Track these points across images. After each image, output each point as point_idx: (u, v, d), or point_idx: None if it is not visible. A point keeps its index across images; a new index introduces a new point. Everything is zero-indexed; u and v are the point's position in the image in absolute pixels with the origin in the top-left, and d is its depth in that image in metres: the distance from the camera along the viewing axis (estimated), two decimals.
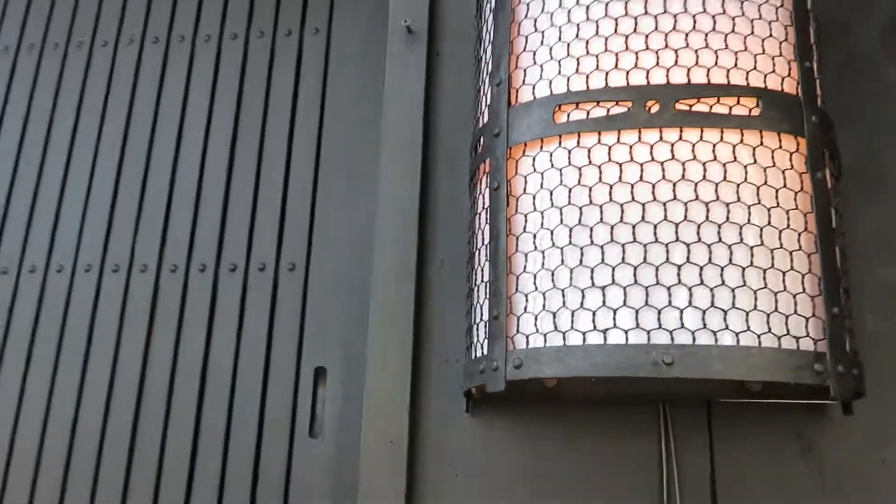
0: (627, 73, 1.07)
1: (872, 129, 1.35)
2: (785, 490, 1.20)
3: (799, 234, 1.02)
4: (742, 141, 1.04)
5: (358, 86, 1.92)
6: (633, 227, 1.01)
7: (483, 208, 1.18)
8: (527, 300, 1.05)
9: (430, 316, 1.36)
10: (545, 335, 1.02)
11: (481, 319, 1.14)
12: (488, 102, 1.21)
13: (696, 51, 1.07)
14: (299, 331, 1.77)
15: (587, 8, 1.12)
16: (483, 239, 1.17)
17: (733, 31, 1.08)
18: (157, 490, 1.66)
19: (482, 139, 1.21)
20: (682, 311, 0.97)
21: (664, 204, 1.01)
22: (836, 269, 1.02)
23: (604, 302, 1.00)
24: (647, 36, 1.08)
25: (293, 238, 1.86)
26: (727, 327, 0.96)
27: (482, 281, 1.15)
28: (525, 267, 1.07)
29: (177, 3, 2.06)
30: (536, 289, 1.05)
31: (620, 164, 1.04)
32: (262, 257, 1.85)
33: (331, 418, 1.70)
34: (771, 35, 1.09)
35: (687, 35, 1.07)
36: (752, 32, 1.08)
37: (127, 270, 1.82)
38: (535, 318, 1.04)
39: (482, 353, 1.12)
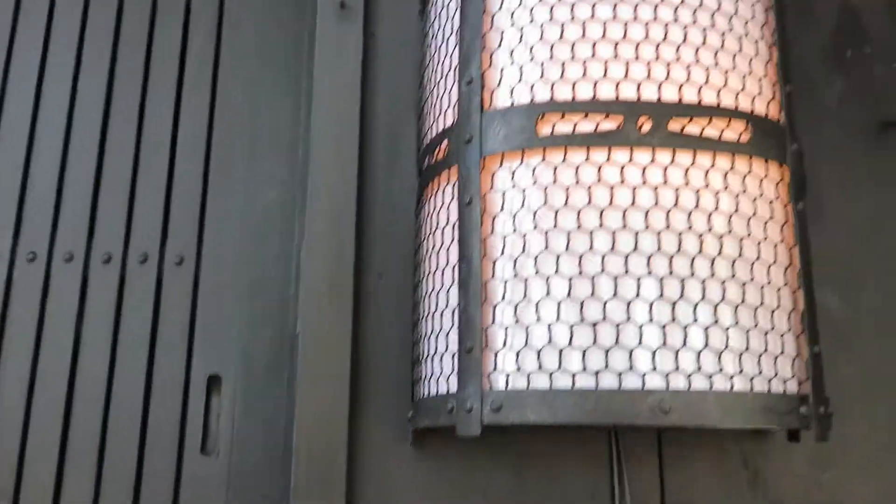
0: (617, 84, 0.98)
1: (808, 155, 1.34)
2: None
3: (785, 269, 0.99)
4: (733, 168, 0.98)
5: (257, 51, 1.72)
6: (626, 257, 0.93)
7: (447, 223, 1.05)
8: (506, 334, 0.94)
9: (367, 335, 1.22)
10: (529, 375, 0.92)
11: (446, 350, 1.01)
12: (453, 102, 1.07)
13: (687, 66, 0.99)
14: (189, 334, 1.55)
15: (572, 7, 1.01)
16: (447, 258, 1.04)
17: (723, 47, 1.01)
18: None
19: (446, 143, 1.07)
20: (677, 353, 0.90)
21: (658, 234, 0.93)
22: (815, 306, 1.00)
23: (595, 340, 0.91)
24: (637, 45, 0.99)
25: (181, 226, 1.63)
26: (721, 370, 0.91)
27: (446, 306, 1.03)
28: (504, 296, 0.95)
29: None
30: (518, 322, 0.94)
31: (612, 187, 0.95)
32: (142, 247, 1.60)
33: (226, 433, 1.53)
34: (758, 54, 1.04)
35: (678, 48, 0.99)
36: (741, 50, 1.02)
37: None
38: (517, 356, 0.93)
39: (448, 389, 1.00)
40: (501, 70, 1.02)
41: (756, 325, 0.94)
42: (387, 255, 1.26)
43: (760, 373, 0.93)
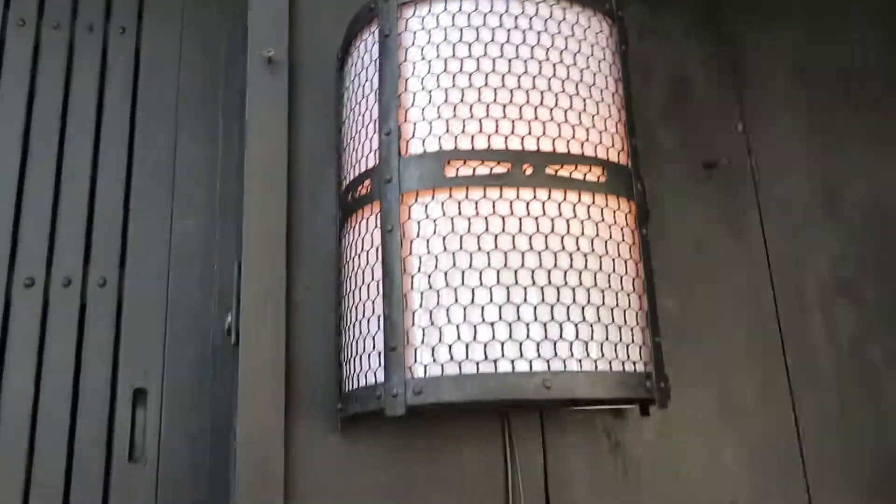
0: (506, 138, 1.26)
1: (653, 187, 1.68)
2: (599, 479, 1.49)
3: (633, 279, 1.29)
4: (594, 202, 1.28)
5: (174, 90, 1.90)
6: (516, 272, 1.20)
7: (371, 246, 1.29)
8: (423, 334, 1.19)
9: (297, 340, 1.43)
10: (442, 365, 1.17)
11: (373, 349, 1.24)
12: (374, 148, 1.31)
13: (559, 124, 1.29)
14: (113, 352, 1.70)
15: (470, 76, 1.28)
16: (372, 275, 1.27)
17: (585, 109, 1.32)
18: None
19: (368, 182, 1.31)
20: (555, 343, 1.18)
21: (539, 253, 1.21)
22: (656, 306, 1.31)
23: (493, 335, 1.17)
24: (521, 107, 1.27)
25: (103, 250, 1.78)
26: (588, 355, 1.19)
27: (372, 314, 1.26)
28: (420, 304, 1.20)
29: None
30: (433, 324, 1.19)
31: (503, 217, 1.22)
32: (65, 271, 1.74)
33: (153, 442, 1.67)
34: (610, 115, 1.35)
35: (552, 110, 1.29)
36: (598, 112, 1.33)
37: None
38: (433, 350, 1.18)
39: (376, 380, 1.23)
40: (414, 124, 1.28)
41: (613, 321, 1.24)
42: (312, 272, 1.48)
43: (617, 357, 1.22)
